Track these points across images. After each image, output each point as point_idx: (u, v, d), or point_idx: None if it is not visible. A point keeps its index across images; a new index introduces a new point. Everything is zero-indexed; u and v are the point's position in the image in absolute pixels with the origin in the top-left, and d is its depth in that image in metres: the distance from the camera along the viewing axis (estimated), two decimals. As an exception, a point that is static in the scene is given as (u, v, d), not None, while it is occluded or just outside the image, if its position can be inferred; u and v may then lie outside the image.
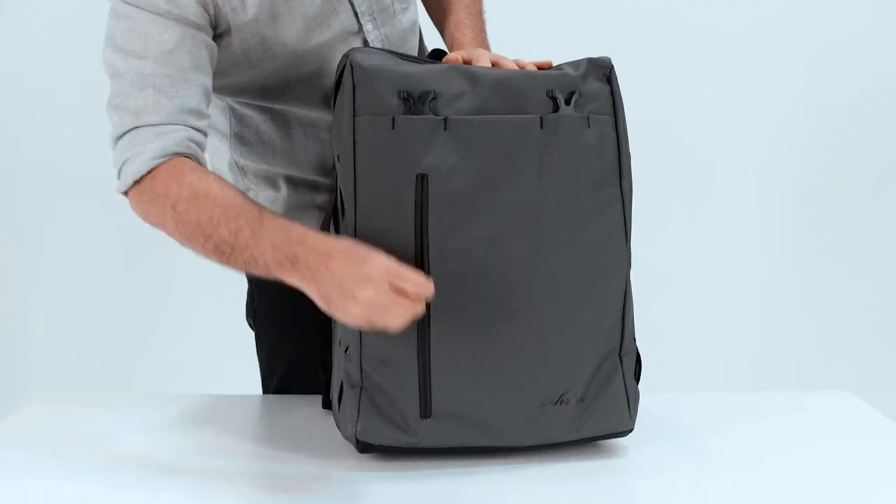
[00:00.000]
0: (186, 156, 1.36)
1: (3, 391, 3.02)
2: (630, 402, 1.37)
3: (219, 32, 1.45)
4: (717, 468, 1.35)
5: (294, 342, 1.56)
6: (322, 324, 1.44)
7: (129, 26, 1.38)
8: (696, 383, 2.93)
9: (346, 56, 1.32)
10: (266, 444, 1.43)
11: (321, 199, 1.59)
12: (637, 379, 1.40)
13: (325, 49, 1.49)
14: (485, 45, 1.57)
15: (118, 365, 3.09)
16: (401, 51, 1.55)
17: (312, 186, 1.60)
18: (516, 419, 1.31)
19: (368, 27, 1.51)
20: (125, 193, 1.38)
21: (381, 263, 1.22)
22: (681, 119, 3.05)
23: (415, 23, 1.63)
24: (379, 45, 1.53)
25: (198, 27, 1.40)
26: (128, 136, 1.36)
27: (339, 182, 1.33)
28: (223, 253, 1.30)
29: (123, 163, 1.37)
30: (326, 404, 1.51)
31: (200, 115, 1.40)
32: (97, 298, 3.10)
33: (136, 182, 1.35)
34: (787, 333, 3.13)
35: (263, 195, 1.62)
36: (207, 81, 1.41)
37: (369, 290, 1.20)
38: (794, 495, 1.27)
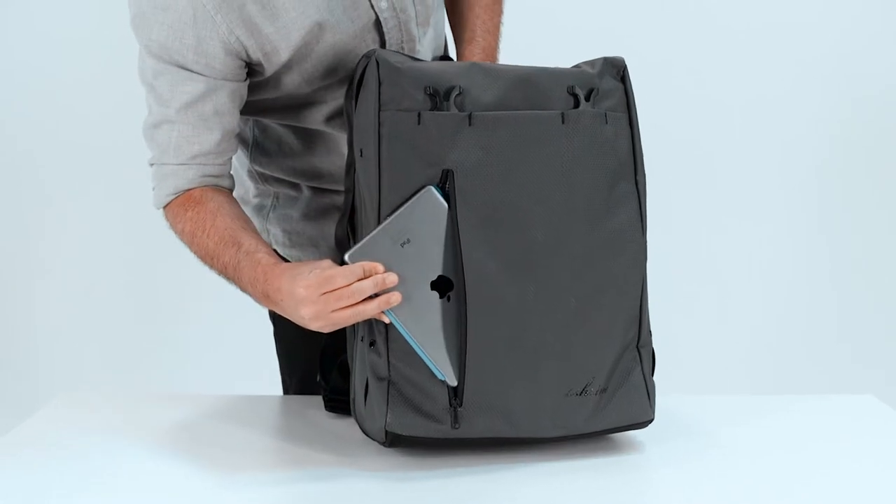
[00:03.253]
0: (199, 188, 1.46)
1: (28, 390, 3.05)
2: (649, 393, 1.40)
3: (252, 64, 1.47)
4: (734, 466, 1.36)
5: (312, 340, 1.57)
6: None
7: (156, 72, 1.43)
8: (716, 386, 2.94)
9: (367, 55, 1.35)
10: (289, 444, 1.44)
11: (341, 200, 1.60)
12: (651, 373, 1.42)
13: (350, 73, 1.50)
14: (493, 61, 1.59)
15: (139, 364, 3.11)
16: None
17: (333, 190, 1.61)
18: (541, 410, 1.33)
19: None
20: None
21: (306, 281, 1.29)
22: (699, 115, 3.07)
23: (440, 43, 1.66)
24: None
25: (224, 77, 1.43)
26: (154, 168, 1.49)
27: (360, 177, 1.35)
28: (226, 280, 1.44)
29: (152, 189, 1.50)
30: (331, 407, 1.53)
31: (220, 153, 1.48)
32: (120, 298, 3.14)
33: (162, 209, 1.50)
34: (810, 336, 3.13)
35: (284, 195, 1.64)
36: (232, 121, 1.47)
37: (308, 308, 1.29)
38: (810, 494, 1.28)
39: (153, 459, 1.37)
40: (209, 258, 1.43)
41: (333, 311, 1.27)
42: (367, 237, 1.29)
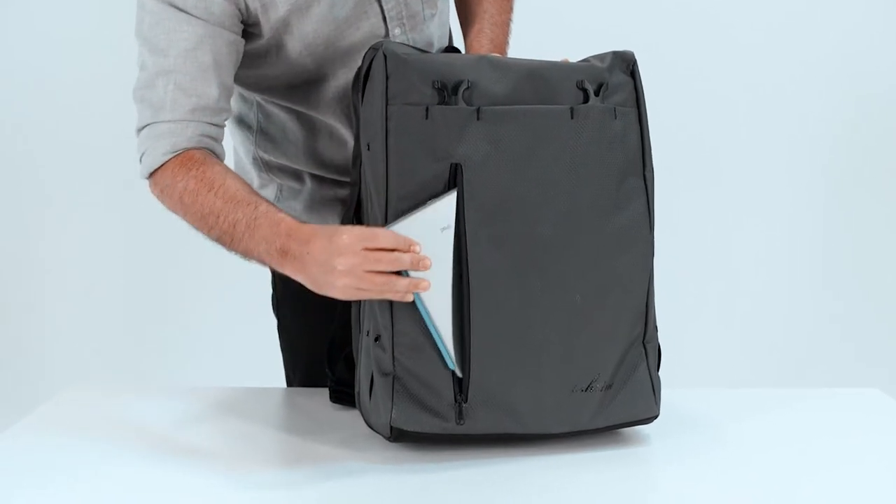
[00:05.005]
0: (198, 149, 1.42)
1: (31, 382, 3.05)
2: (655, 389, 1.40)
3: (249, 23, 1.46)
4: (739, 460, 1.36)
5: (316, 334, 1.57)
6: (343, 316, 1.46)
7: (154, 21, 1.42)
8: (721, 380, 2.93)
9: (374, 47, 1.34)
10: (295, 436, 1.44)
11: (344, 192, 1.60)
12: (657, 368, 1.42)
13: (352, 51, 1.50)
14: (502, 54, 1.59)
15: (141, 360, 3.11)
16: None
17: (336, 181, 1.61)
18: (547, 406, 1.33)
19: (396, 31, 1.53)
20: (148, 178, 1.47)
21: (350, 231, 1.27)
22: (703, 112, 3.07)
23: (443, 34, 1.66)
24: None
25: (222, 25, 1.43)
26: (146, 129, 1.44)
27: (368, 171, 1.34)
28: (225, 243, 1.39)
29: (142, 154, 1.45)
30: (336, 398, 1.53)
31: (218, 111, 1.45)
32: (124, 291, 3.13)
33: (152, 174, 1.44)
34: (815, 332, 3.13)
35: (287, 187, 1.64)
36: (228, 78, 1.46)
37: (347, 257, 1.25)
38: (815, 487, 1.28)
39: (156, 453, 1.36)
40: (212, 216, 1.37)
41: (368, 270, 1.25)
42: (416, 212, 1.27)
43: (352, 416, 1.46)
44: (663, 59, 2.79)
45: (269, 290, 1.71)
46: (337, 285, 1.27)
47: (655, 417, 1.40)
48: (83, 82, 3.06)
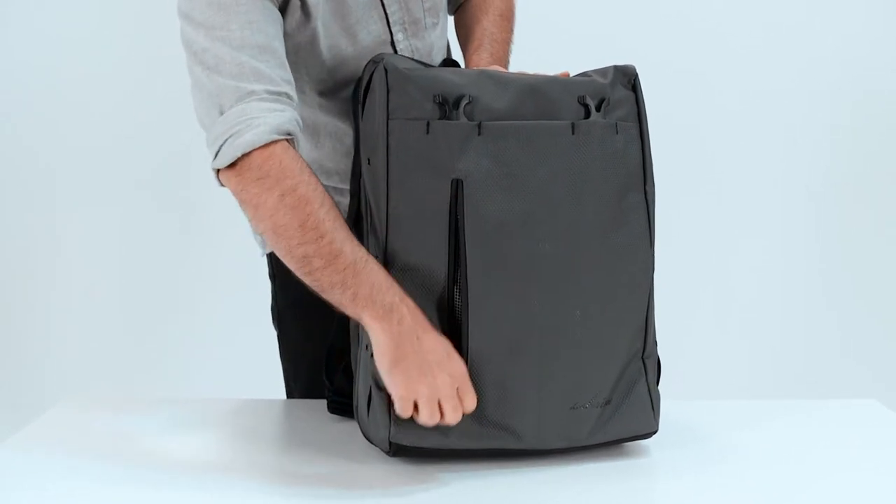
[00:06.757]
0: (291, 139, 1.34)
1: (30, 394, 3.05)
2: (654, 405, 1.40)
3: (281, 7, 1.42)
4: (738, 471, 1.36)
5: (317, 341, 1.57)
6: (343, 327, 1.46)
7: (206, 1, 1.34)
8: (719, 392, 2.94)
9: (375, 60, 1.34)
10: (294, 447, 1.44)
11: (346, 202, 1.60)
12: (657, 382, 1.42)
13: (360, 57, 1.48)
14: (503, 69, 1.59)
15: (143, 369, 3.11)
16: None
17: (339, 191, 1.61)
18: (545, 422, 1.33)
19: (399, 37, 1.52)
20: (218, 171, 1.34)
21: (463, 368, 1.28)
22: (698, 126, 3.07)
23: (443, 45, 1.65)
24: (408, 56, 1.54)
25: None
26: (236, 108, 1.32)
27: (368, 186, 1.34)
28: (310, 264, 1.29)
29: (231, 135, 1.31)
30: (334, 409, 1.53)
31: (292, 84, 1.38)
32: (122, 301, 3.13)
33: (245, 155, 1.31)
34: (812, 342, 3.14)
35: None
36: (284, 55, 1.39)
37: (445, 379, 1.26)
38: (812, 498, 1.28)
39: (154, 465, 1.36)
40: (314, 231, 1.27)
41: (440, 403, 1.27)
42: None
43: (350, 429, 1.46)
44: (660, 65, 2.80)
45: (269, 300, 1.71)
46: (412, 387, 1.26)
47: (654, 433, 1.40)
48: (84, 82, 3.06)
